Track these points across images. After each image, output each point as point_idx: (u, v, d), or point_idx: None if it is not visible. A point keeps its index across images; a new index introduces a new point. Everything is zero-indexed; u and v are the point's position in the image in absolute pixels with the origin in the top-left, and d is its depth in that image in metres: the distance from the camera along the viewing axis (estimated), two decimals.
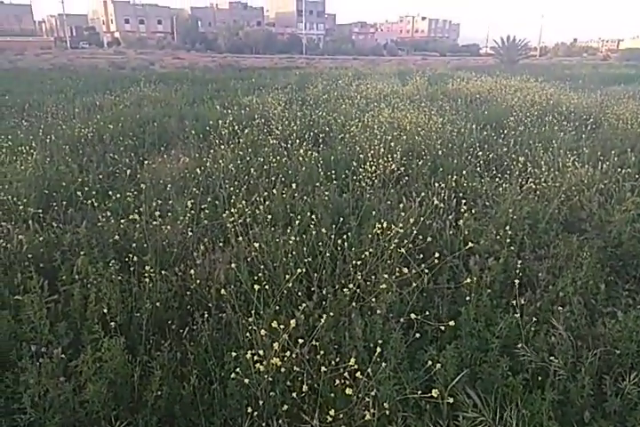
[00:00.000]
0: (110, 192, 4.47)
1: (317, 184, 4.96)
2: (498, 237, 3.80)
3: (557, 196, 4.69)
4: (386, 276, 3.10)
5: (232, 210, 3.98)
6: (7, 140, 5.98)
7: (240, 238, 3.70)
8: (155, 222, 3.74)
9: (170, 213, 4.10)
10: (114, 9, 77.39)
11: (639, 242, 3.89)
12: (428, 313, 2.89)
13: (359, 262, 3.23)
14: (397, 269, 3.22)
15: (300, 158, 5.57)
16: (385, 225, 3.53)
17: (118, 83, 15.79)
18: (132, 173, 5.26)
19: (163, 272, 3.28)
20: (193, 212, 4.09)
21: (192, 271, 3.11)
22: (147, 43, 65.52)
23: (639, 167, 5.46)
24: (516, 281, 3.03)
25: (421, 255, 3.52)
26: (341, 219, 3.95)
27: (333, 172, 5.22)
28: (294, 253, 3.44)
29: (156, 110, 9.49)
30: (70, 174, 5.22)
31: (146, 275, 3.04)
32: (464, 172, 5.43)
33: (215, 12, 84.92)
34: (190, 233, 3.81)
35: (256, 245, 3.42)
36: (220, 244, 3.75)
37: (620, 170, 5.14)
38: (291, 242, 3.46)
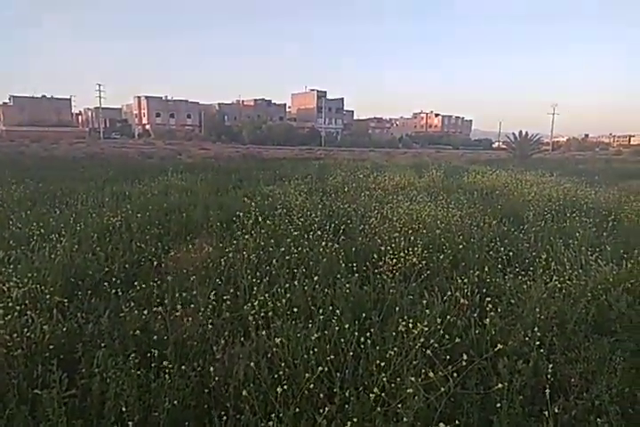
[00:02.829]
0: (135, 281, 4.55)
1: (338, 276, 4.97)
2: (527, 338, 3.68)
3: (584, 295, 4.60)
4: (412, 379, 2.98)
5: (253, 302, 3.99)
6: (39, 228, 6.24)
7: (261, 332, 3.66)
8: (176, 314, 3.75)
9: (192, 304, 4.11)
10: (147, 103, 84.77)
11: None
12: (457, 422, 2.72)
13: (383, 363, 3.12)
14: (423, 371, 3.10)
15: (321, 249, 5.66)
16: (409, 322, 3.47)
17: (147, 172, 16.71)
18: (157, 262, 5.37)
19: (182, 367, 3.22)
20: (215, 303, 4.10)
21: (211, 368, 3.05)
22: (175, 134, 70.56)
23: None
24: (548, 387, 2.88)
25: (448, 356, 3.39)
26: (363, 314, 3.91)
27: (354, 264, 5.26)
28: (316, 349, 3.36)
29: (182, 199, 9.92)
30: (96, 262, 5.36)
31: (165, 370, 2.98)
32: (486, 267, 5.40)
33: (241, 107, 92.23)
34: (211, 326, 3.78)
35: (277, 340, 3.38)
36: (241, 338, 3.70)
37: None
38: (313, 338, 3.40)
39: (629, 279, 4.90)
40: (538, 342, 3.56)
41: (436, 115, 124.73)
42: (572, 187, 12.33)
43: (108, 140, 58.95)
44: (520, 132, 39.70)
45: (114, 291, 4.40)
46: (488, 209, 9.32)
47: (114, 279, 4.69)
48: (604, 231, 7.14)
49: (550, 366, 3.32)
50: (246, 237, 6.10)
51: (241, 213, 7.30)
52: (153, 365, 3.27)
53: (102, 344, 3.40)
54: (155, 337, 3.59)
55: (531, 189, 12.07)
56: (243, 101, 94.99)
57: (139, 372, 3.12)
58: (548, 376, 3.24)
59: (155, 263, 5.32)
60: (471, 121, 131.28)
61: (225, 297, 4.23)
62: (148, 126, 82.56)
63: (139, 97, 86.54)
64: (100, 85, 75.89)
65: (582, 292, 4.70)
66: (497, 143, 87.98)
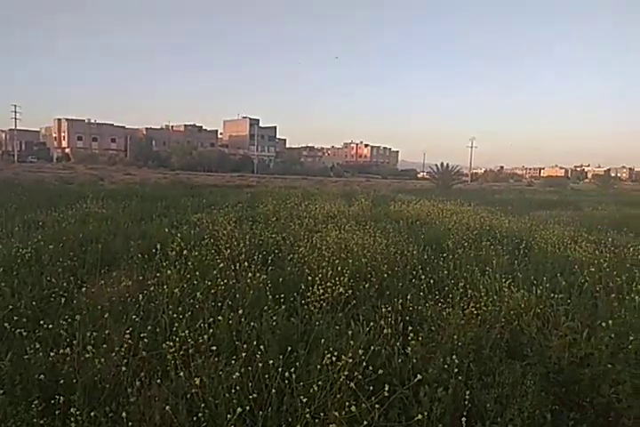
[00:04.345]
0: (42, 320, 4.19)
1: (265, 308, 4.89)
2: (446, 365, 3.80)
3: (498, 320, 4.86)
4: (336, 413, 2.96)
5: (174, 339, 3.81)
6: None
7: (180, 372, 3.49)
8: (87, 355, 3.49)
9: (105, 344, 3.84)
10: (67, 126, 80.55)
11: (578, 367, 3.98)
12: None
13: (306, 400, 3.08)
14: (347, 403, 3.09)
15: (249, 281, 5.56)
16: (334, 354, 3.47)
17: (64, 198, 15.75)
18: (69, 298, 5.00)
19: (92, 413, 2.97)
20: (131, 341, 3.86)
21: (124, 413, 2.84)
22: (98, 159, 67.48)
23: (569, 291, 5.82)
24: (465, 413, 2.98)
25: (372, 387, 3.41)
26: (290, 347, 3.86)
27: (282, 295, 5.21)
28: (238, 387, 3.25)
29: (102, 228, 9.39)
30: (1, 298, 4.90)
31: (73, 418, 2.74)
32: (409, 295, 5.57)
33: (170, 133, 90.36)
34: (125, 367, 3.54)
35: (197, 380, 3.23)
36: (158, 379, 3.50)
37: (552, 294, 5.47)
38: (235, 375, 3.28)
39: (539, 305, 5.24)
40: (456, 369, 3.69)
41: (366, 145, 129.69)
42: (489, 216, 13.17)
43: (24, 164, 55.33)
44: (442, 163, 42.16)
45: (18, 331, 4.02)
46: (412, 237, 9.68)
47: (19, 318, 4.31)
48: (517, 258, 7.64)
49: (468, 392, 3.45)
50: (170, 268, 5.87)
51: (165, 243, 7.04)
52: (59, 412, 3.00)
53: (1, 391, 3.08)
54: (62, 381, 3.31)
55: (451, 218, 12.74)
56: (172, 127, 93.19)
57: (42, 421, 2.86)
58: (466, 402, 3.36)
59: (66, 299, 4.94)
60: (398, 152, 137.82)
61: (142, 335, 4.01)
62: (67, 150, 78.23)
63: (59, 119, 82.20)
64: (15, 106, 71.47)
65: (497, 317, 4.96)
66: (422, 173, 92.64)
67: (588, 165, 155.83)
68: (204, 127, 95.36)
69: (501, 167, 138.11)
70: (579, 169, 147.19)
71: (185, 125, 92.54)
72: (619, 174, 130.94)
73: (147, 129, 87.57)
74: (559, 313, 5.01)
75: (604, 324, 4.45)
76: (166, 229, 8.82)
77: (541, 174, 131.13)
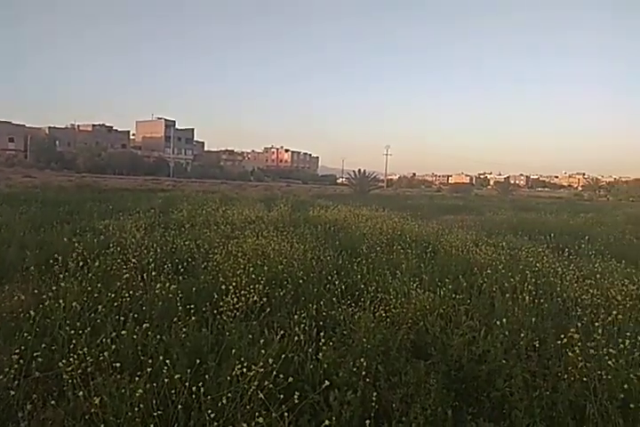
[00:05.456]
0: None
1: (175, 319, 4.72)
2: (355, 368, 3.90)
3: (406, 321, 5.09)
4: (244, 425, 2.92)
5: (72, 356, 3.55)
6: None
7: (78, 391, 3.26)
8: None
9: None
10: None
11: (477, 364, 4.28)
12: None
13: (213, 414, 3.01)
14: (257, 414, 3.07)
15: (157, 291, 5.34)
16: (245, 365, 3.43)
17: None
18: None
19: None
20: (22, 361, 3.54)
21: None
22: None
23: (470, 292, 6.25)
24: (373, 414, 3.08)
25: (282, 395, 3.41)
26: (199, 359, 3.74)
27: (193, 305, 5.05)
28: (142, 405, 3.10)
29: None
30: None
31: None
32: (322, 300, 5.66)
33: (76, 133, 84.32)
34: (13, 391, 3.24)
35: (96, 399, 3.04)
36: (52, 401, 3.25)
37: (455, 295, 5.84)
38: (138, 393, 3.13)
39: (443, 305, 5.57)
40: (365, 371, 3.80)
41: (287, 150, 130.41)
42: (401, 221, 13.78)
43: None
44: (359, 169, 43.58)
45: None
46: (329, 242, 9.86)
47: None
48: (424, 262, 8.06)
49: (375, 393, 3.57)
50: (70, 280, 5.47)
51: (65, 253, 6.54)
52: None
53: None
54: None
55: (366, 223, 13.16)
56: (78, 126, 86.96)
57: None
58: (374, 404, 3.48)
59: None
60: (318, 158, 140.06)
61: (36, 353, 3.69)
62: None
63: None
64: None
65: (404, 319, 5.20)
66: (341, 179, 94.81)
67: (491, 173, 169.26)
68: (114, 128, 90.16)
69: (414, 174, 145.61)
70: (482, 176, 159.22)
71: (93, 125, 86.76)
72: (517, 181, 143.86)
73: (50, 128, 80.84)
74: (460, 313, 5.36)
75: (499, 322, 4.84)
76: (67, 238, 8.19)
77: (449, 181, 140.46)
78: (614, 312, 5.12)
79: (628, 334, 4.29)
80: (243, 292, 5.53)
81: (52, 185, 28.70)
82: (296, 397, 3.23)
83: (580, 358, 4.01)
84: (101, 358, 3.64)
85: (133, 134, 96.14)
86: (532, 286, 6.26)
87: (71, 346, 3.94)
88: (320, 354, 4.06)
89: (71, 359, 3.51)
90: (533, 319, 5.23)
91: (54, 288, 5.20)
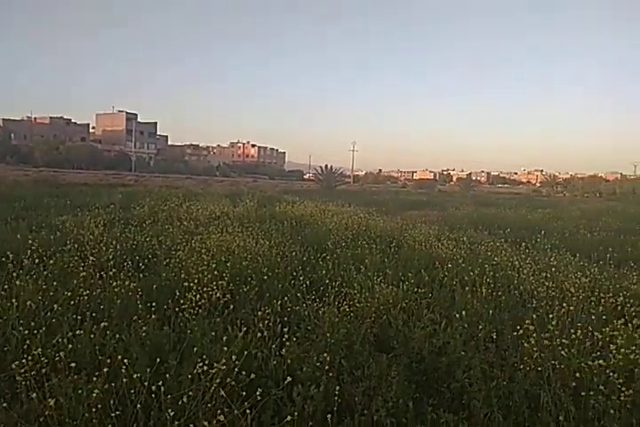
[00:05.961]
0: None
1: (135, 318, 4.61)
2: (319, 363, 3.92)
3: (369, 315, 5.15)
4: (205, 423, 2.89)
5: (26, 357, 3.42)
6: None
7: (32, 393, 3.15)
8: None
9: None
10: None
11: (437, 356, 4.38)
12: None
13: (173, 413, 2.96)
14: (219, 411, 3.04)
15: (117, 289, 5.20)
16: (207, 362, 3.39)
17: None
18: None
19: None
20: None
21: None
22: None
23: (431, 286, 6.38)
24: (335, 408, 3.11)
25: (245, 392, 3.39)
26: (159, 358, 3.67)
27: (154, 303, 4.95)
28: (99, 406, 3.02)
29: None
30: None
31: None
32: (287, 296, 5.66)
33: (33, 125, 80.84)
34: None
35: (51, 401, 2.94)
36: (4, 403, 3.12)
37: (417, 289, 5.94)
38: (95, 393, 3.04)
39: (405, 299, 5.67)
40: (328, 366, 3.83)
41: (253, 145, 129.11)
42: (366, 216, 13.90)
43: None
44: (326, 165, 43.69)
45: None
46: (295, 238, 9.85)
47: None
48: (388, 256, 8.17)
49: (338, 387, 3.60)
50: (24, 279, 5.25)
51: (19, 250, 6.27)
52: None
53: None
54: None
55: (332, 218, 13.21)
56: (35, 118, 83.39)
57: None
58: (337, 398, 3.50)
59: None
60: (285, 153, 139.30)
61: None
62: None
63: None
64: None
65: (368, 313, 5.26)
66: (308, 175, 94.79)
67: (454, 169, 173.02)
68: (73, 120, 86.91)
69: (380, 170, 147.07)
70: (445, 173, 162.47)
71: (50, 117, 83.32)
72: (478, 178, 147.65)
73: (4, 120, 77.14)
74: (422, 306, 5.47)
75: (458, 315, 4.97)
76: (22, 235, 7.86)
77: (414, 177, 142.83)
78: (566, 304, 5.34)
79: (579, 324, 4.49)
80: (206, 289, 5.46)
81: (7, 180, 27.42)
82: (259, 393, 3.22)
83: (535, 349, 4.17)
84: (57, 358, 3.52)
85: (93, 127, 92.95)
86: (490, 279, 6.45)
87: (25, 346, 3.80)
88: (284, 350, 4.05)
89: (25, 360, 3.38)
90: (491, 311, 5.39)
91: (7, 287, 4.99)
